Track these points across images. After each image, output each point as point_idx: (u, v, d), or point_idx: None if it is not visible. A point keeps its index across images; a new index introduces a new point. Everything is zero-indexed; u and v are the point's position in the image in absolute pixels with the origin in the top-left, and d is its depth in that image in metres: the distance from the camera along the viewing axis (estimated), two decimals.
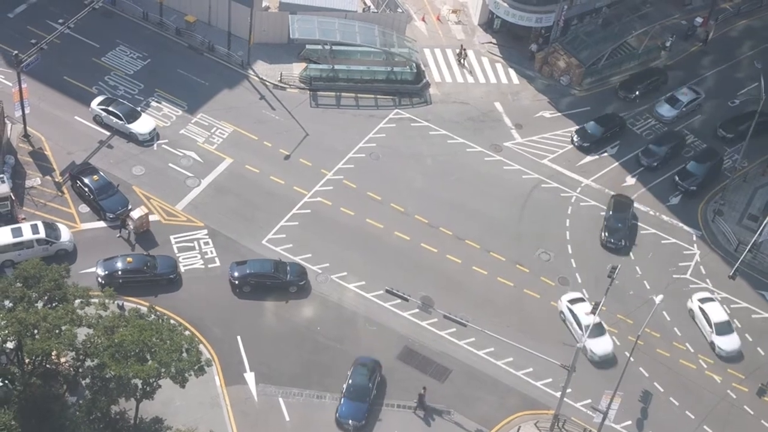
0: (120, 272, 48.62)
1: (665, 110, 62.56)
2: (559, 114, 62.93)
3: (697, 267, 55.13)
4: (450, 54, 65.63)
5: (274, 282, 49.70)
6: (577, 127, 60.67)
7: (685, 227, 57.19)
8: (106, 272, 48.61)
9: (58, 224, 50.52)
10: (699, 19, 69.04)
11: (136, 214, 50.22)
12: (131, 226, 50.27)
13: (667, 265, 54.98)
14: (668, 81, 65.04)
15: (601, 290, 49.72)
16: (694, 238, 56.80)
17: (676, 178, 58.49)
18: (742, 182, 59.93)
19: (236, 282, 49.50)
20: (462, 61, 64.18)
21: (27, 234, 48.74)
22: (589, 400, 47.30)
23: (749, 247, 54.53)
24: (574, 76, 64.55)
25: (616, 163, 60.25)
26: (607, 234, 54.73)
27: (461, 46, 64.84)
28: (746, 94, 65.43)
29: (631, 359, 45.45)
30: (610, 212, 55.47)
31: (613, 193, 57.63)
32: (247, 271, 49.53)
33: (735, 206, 58.66)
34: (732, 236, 56.70)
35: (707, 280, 54.58)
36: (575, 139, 59.88)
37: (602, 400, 45.02)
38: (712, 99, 65.36)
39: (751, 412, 49.00)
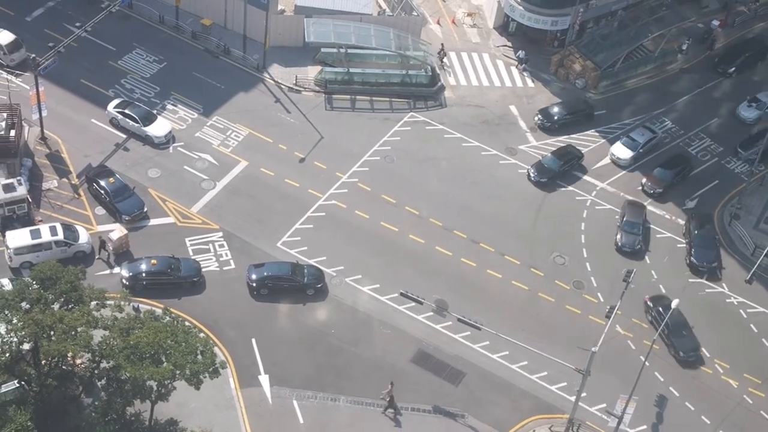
0: (144, 274, 48.85)
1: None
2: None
3: (714, 271, 54.74)
4: (465, 57, 65.59)
5: (292, 284, 49.81)
6: (535, 161, 58.13)
7: None
8: (131, 274, 48.86)
9: (76, 226, 50.85)
10: (716, 22, 68.64)
11: (114, 235, 49.46)
12: (110, 248, 49.75)
13: (683, 269, 54.64)
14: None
15: (616, 294, 49.50)
16: None
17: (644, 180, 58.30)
18: (758, 186, 59.52)
19: (254, 285, 49.65)
20: (442, 61, 63.81)
21: (45, 236, 49.07)
22: (604, 405, 47.08)
23: (766, 251, 54.13)
24: (589, 79, 64.34)
25: (632, 166, 60.01)
26: (622, 238, 54.51)
27: (441, 45, 64.64)
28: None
29: (647, 363, 45.18)
30: (624, 218, 55.23)
31: (629, 197, 57.33)
32: (265, 274, 49.67)
33: (752, 210, 58.26)
34: (749, 240, 56.32)
35: (723, 284, 54.24)
36: (532, 173, 57.26)
37: (617, 404, 44.84)
38: (730, 102, 64.99)
39: None
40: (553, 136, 60.63)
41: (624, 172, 59.61)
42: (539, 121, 60.39)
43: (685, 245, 55.13)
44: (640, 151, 59.19)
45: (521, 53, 64.84)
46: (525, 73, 64.20)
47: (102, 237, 49.84)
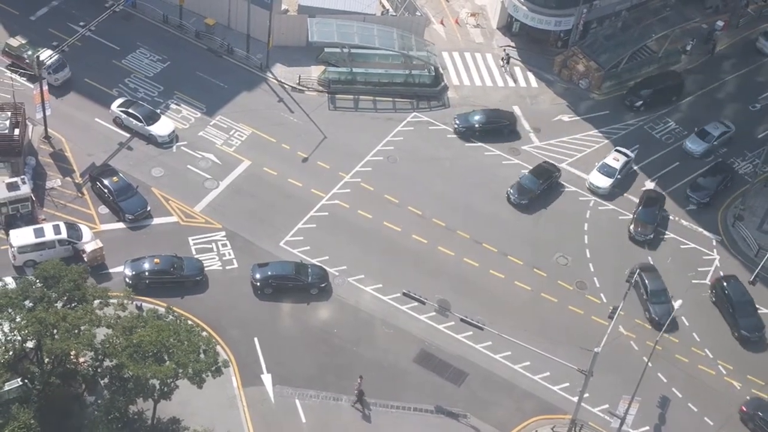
0: (147, 273, 48.90)
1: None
2: (578, 118, 62.68)
3: (717, 272, 54.68)
4: (469, 57, 65.54)
5: (296, 284, 49.83)
6: (515, 182, 56.48)
7: (705, 232, 56.77)
8: (134, 273, 48.91)
9: (79, 225, 50.90)
10: (720, 23, 68.53)
11: (89, 247, 48.95)
12: (86, 260, 49.03)
13: (687, 270, 54.60)
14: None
15: (619, 295, 49.45)
16: (714, 243, 56.37)
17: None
18: (762, 187, 59.40)
19: (258, 284, 49.67)
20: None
21: (49, 234, 49.14)
22: (607, 405, 47.06)
23: None
24: (593, 79, 64.27)
25: (635, 167, 59.92)
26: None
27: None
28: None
29: (650, 364, 45.13)
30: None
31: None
32: (269, 273, 49.70)
33: (755, 211, 58.15)
34: (752, 241, 56.22)
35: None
36: (512, 195, 55.69)
37: (620, 405, 44.81)
38: (734, 103, 64.87)
39: None
40: (555, 137, 60.55)
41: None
42: (455, 126, 59.46)
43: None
44: (618, 177, 57.19)
45: (506, 52, 64.56)
46: (506, 73, 63.86)
47: (78, 247, 49.33)
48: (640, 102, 62.31)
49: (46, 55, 55.53)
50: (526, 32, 66.76)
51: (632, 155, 58.66)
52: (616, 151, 58.57)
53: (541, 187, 56.09)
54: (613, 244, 55.23)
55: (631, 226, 55.06)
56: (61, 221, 50.44)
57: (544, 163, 57.88)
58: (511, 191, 56.00)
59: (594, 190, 57.33)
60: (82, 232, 50.35)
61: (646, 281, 51.58)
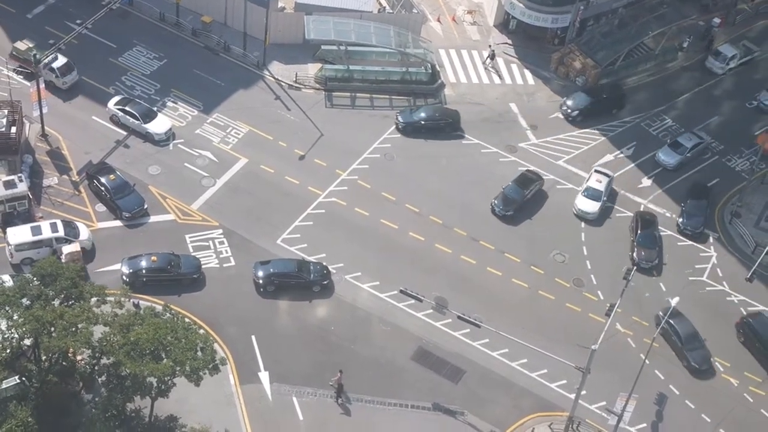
0: (144, 271, 48.89)
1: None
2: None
3: (714, 269, 54.76)
4: (465, 54, 65.51)
5: (298, 282, 49.83)
6: (501, 192, 55.34)
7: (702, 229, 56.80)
8: (131, 270, 48.90)
9: (77, 223, 50.86)
10: (717, 20, 68.57)
11: (67, 249, 48.63)
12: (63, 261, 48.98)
13: (684, 267, 54.65)
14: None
15: (616, 292, 49.51)
16: (711, 240, 56.43)
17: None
18: (759, 184, 59.50)
19: (260, 282, 49.66)
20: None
21: (46, 232, 49.09)
22: (604, 402, 47.09)
23: (767, 249, 54.10)
24: (590, 77, 64.29)
25: (632, 164, 59.99)
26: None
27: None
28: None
29: (647, 361, 45.19)
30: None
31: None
32: (271, 271, 49.69)
33: (752, 208, 58.23)
34: (749, 238, 56.29)
35: (724, 283, 54.22)
36: (497, 207, 54.67)
37: (617, 402, 44.85)
38: (731, 100, 64.94)
39: None
40: (552, 135, 60.57)
41: (624, 170, 59.55)
42: (396, 122, 59.11)
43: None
44: (604, 199, 55.71)
45: (491, 49, 64.46)
46: (490, 69, 63.81)
47: (56, 249, 49.02)
48: (576, 112, 60.88)
49: (52, 58, 55.65)
50: (523, 29, 66.75)
51: (612, 174, 56.96)
52: (597, 171, 56.77)
53: (526, 197, 55.26)
54: (610, 242, 55.25)
55: (634, 253, 53.37)
56: (58, 219, 50.38)
57: (527, 171, 56.94)
58: (496, 202, 54.87)
59: (583, 216, 55.52)
60: (80, 229, 50.31)
61: (677, 328, 49.44)
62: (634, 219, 55.58)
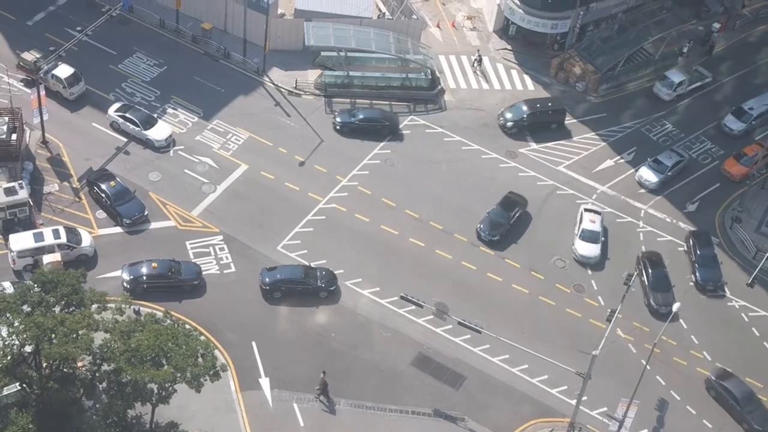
0: (145, 277, 48.91)
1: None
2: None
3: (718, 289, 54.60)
4: (465, 60, 65.61)
5: (305, 288, 49.81)
6: (486, 216, 54.22)
7: None
8: (132, 277, 48.92)
9: (78, 229, 50.89)
10: (716, 25, 68.69)
11: (47, 259, 48.42)
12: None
13: (684, 272, 54.64)
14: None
15: (617, 298, 49.49)
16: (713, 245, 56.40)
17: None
18: (760, 189, 59.52)
19: (267, 288, 49.63)
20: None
21: (48, 239, 49.13)
22: (605, 408, 47.08)
23: None
24: (589, 82, 64.39)
25: (632, 170, 60.03)
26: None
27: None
28: None
29: (648, 367, 45.17)
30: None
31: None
32: (278, 277, 49.68)
33: (753, 214, 58.25)
34: (750, 244, 56.30)
35: (725, 288, 54.19)
36: (483, 232, 53.54)
37: (618, 408, 44.84)
38: (730, 105, 64.97)
39: None
40: (552, 140, 60.43)
41: (624, 175, 59.60)
42: (333, 122, 58.84)
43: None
44: (602, 239, 54.09)
45: (478, 54, 64.39)
46: (478, 74, 63.83)
47: (37, 260, 48.90)
48: (515, 129, 60.01)
49: (60, 69, 56.10)
50: (523, 35, 66.88)
51: (601, 210, 55.65)
52: (588, 211, 54.85)
53: (512, 220, 54.15)
54: (610, 247, 55.25)
55: (651, 300, 51.41)
56: (60, 225, 50.41)
57: (511, 194, 55.51)
58: (482, 227, 53.54)
59: (584, 262, 53.54)
60: (82, 236, 50.34)
61: (732, 391, 47.86)
62: (640, 261, 53.15)
